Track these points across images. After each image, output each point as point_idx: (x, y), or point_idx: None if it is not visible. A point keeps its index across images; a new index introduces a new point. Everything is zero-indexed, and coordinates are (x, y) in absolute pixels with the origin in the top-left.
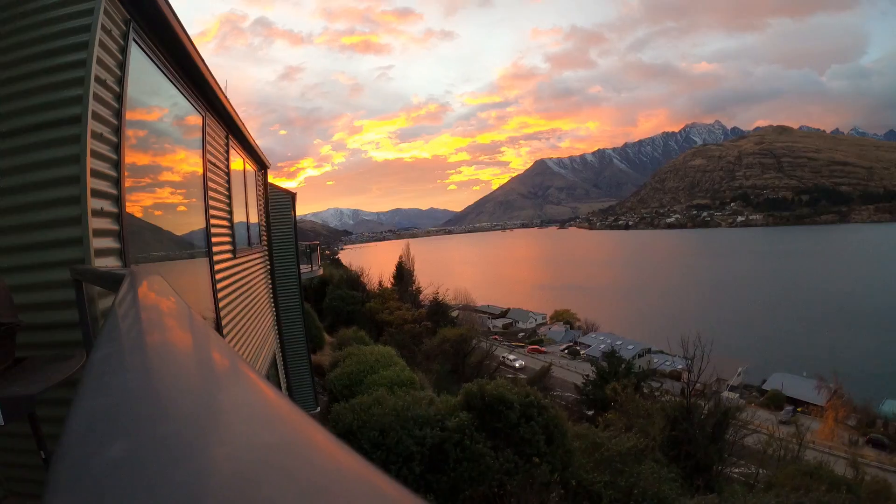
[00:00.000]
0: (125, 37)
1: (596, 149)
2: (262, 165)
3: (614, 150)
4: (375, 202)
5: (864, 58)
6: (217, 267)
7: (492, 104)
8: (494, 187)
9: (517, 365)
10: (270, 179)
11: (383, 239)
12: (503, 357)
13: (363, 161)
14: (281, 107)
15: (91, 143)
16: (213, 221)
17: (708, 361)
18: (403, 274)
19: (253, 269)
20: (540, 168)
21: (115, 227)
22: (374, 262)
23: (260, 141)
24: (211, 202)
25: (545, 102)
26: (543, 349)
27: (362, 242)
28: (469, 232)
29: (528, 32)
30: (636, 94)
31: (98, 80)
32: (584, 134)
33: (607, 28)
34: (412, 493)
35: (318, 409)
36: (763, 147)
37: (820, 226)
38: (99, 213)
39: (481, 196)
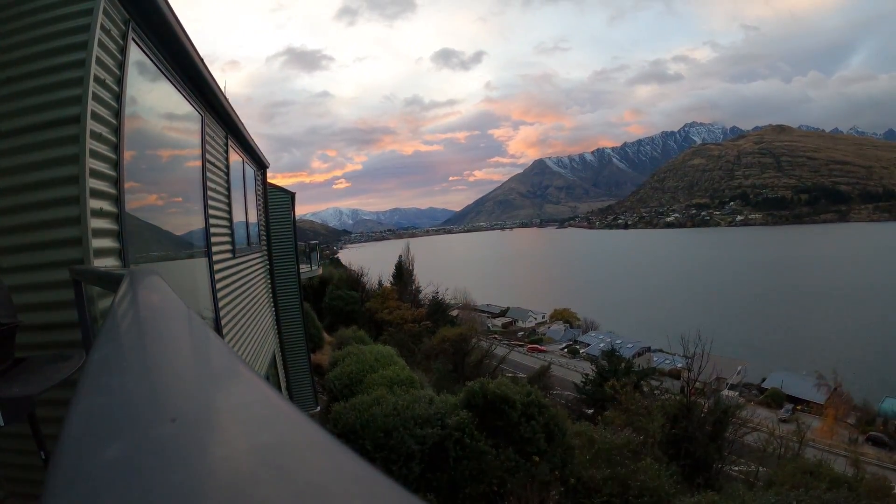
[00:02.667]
0: (124, 37)
1: (595, 148)
2: (261, 165)
3: (613, 149)
4: (374, 202)
5: (853, 60)
6: (216, 267)
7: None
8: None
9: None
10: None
11: (383, 238)
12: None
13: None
14: (396, 124)
15: (90, 143)
16: (212, 221)
17: (707, 360)
18: (403, 273)
19: (252, 269)
20: (539, 167)
21: (114, 227)
22: (373, 261)
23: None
24: (210, 202)
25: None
26: (543, 348)
27: (362, 242)
28: (468, 231)
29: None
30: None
31: (97, 79)
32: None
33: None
34: (410, 492)
35: (318, 408)
36: (762, 146)
37: (819, 225)
38: (98, 214)
39: (480, 195)
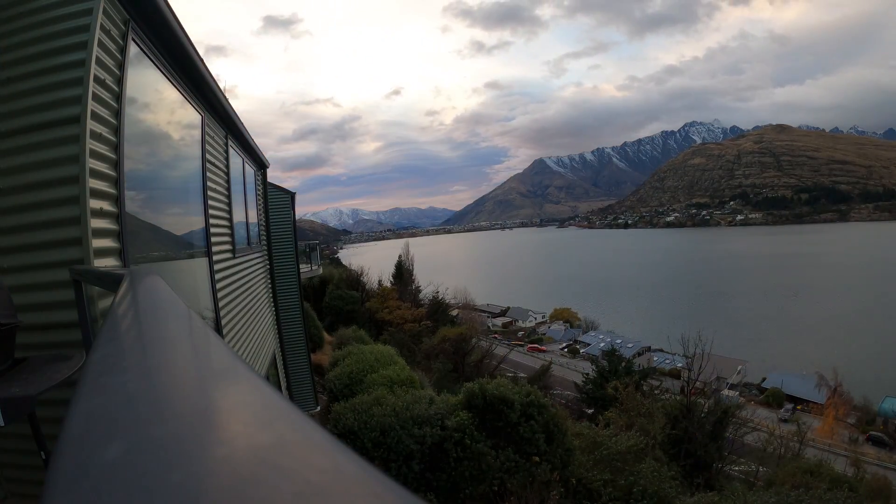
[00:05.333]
0: (124, 37)
1: (595, 147)
2: (261, 165)
3: (613, 148)
4: (374, 202)
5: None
6: (216, 266)
7: None
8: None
9: None
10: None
11: (383, 238)
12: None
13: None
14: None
15: (90, 143)
16: (212, 221)
17: (708, 360)
18: (403, 273)
19: (252, 269)
20: (539, 167)
21: (114, 227)
22: (374, 262)
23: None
24: (210, 202)
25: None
26: (543, 347)
27: (362, 242)
28: (468, 231)
29: None
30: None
31: (97, 80)
32: None
33: None
34: (410, 492)
35: (318, 408)
36: (762, 146)
37: (819, 224)
38: (98, 214)
39: (480, 195)
